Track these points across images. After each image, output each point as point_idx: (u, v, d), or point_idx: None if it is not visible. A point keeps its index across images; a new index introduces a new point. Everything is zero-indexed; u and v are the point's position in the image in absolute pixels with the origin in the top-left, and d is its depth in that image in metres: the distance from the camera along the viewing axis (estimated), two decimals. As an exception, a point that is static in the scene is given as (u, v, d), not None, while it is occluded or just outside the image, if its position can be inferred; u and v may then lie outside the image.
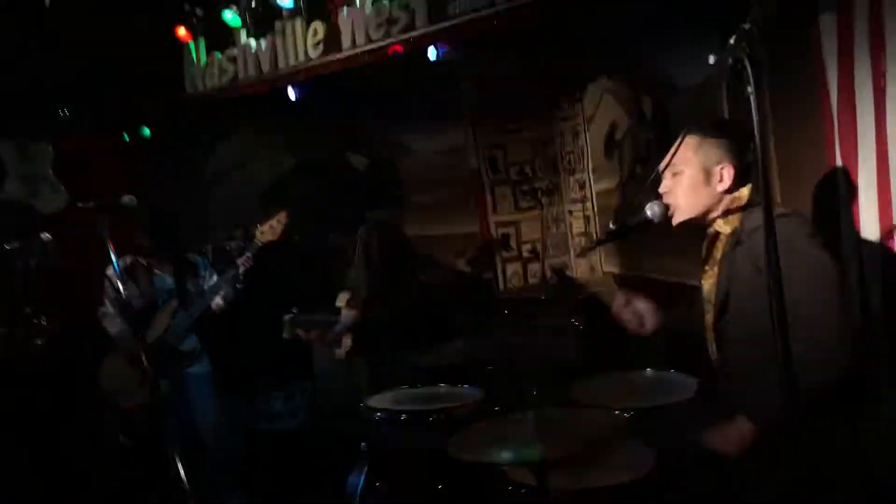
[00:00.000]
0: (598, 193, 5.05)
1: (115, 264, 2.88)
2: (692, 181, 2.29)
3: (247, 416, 4.87)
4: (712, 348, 2.38)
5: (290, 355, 4.79)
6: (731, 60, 1.47)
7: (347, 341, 3.61)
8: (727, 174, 2.27)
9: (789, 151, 2.78)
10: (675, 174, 2.33)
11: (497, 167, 5.63)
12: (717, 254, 2.34)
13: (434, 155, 5.61)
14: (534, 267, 5.49)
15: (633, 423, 2.53)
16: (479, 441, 1.93)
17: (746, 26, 1.46)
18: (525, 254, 5.60)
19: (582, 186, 5.24)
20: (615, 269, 4.83)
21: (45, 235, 3.64)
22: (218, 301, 4.16)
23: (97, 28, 4.93)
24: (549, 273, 4.99)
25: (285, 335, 3.74)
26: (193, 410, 4.22)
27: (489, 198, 5.65)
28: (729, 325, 2.29)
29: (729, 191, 2.28)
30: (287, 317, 3.79)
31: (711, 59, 1.56)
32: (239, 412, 4.82)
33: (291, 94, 4.58)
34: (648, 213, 2.32)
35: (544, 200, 5.54)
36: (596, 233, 5.10)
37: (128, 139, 5.19)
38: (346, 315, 3.63)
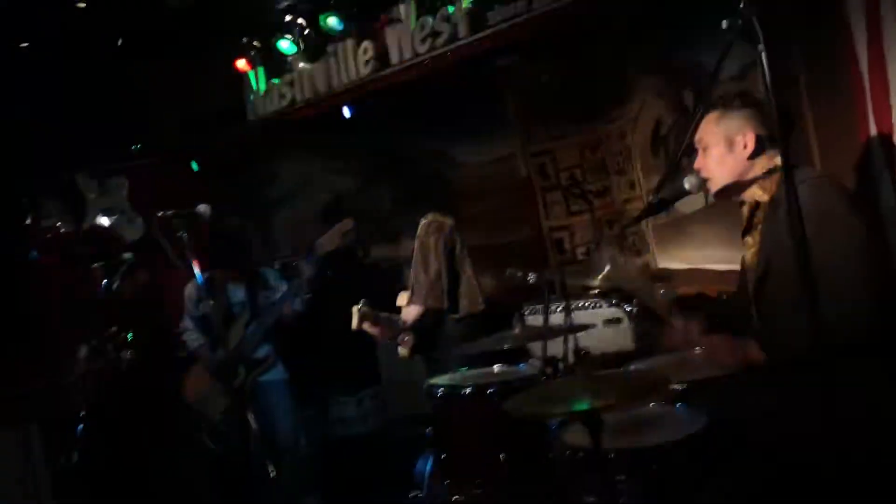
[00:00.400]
0: (648, 191, 5.12)
1: (199, 276, 3.04)
2: (718, 152, 2.43)
3: (320, 422, 5.06)
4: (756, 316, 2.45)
5: (359, 362, 5.01)
6: (740, 22, 1.60)
7: (409, 340, 3.74)
8: (749, 140, 2.38)
9: (825, 121, 2.86)
10: (704, 149, 2.47)
11: (547, 173, 5.76)
12: (758, 222, 2.43)
13: (483, 165, 5.78)
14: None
15: (686, 394, 2.67)
16: (534, 400, 2.06)
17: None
18: (580, 256, 5.71)
19: (632, 186, 5.31)
20: (669, 264, 4.90)
21: (128, 255, 3.91)
22: (288, 311, 4.32)
23: (165, 65, 5.32)
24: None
25: (354, 325, 3.86)
26: (270, 417, 4.33)
27: (541, 204, 5.79)
28: (771, 291, 2.36)
29: (753, 156, 2.38)
30: (356, 307, 3.90)
31: (724, 24, 1.68)
32: (313, 419, 5.03)
33: (346, 112, 4.84)
34: (686, 184, 2.44)
35: (596, 203, 5.64)
36: (649, 230, 5.18)
37: (196, 168, 5.49)
38: (407, 312, 3.78)
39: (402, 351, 3.76)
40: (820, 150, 2.92)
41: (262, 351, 4.38)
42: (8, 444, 5.20)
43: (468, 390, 2.66)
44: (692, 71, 4.30)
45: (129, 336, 4.18)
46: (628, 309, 3.71)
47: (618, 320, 3.94)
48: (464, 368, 2.98)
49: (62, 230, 5.38)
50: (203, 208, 3.01)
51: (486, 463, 2.55)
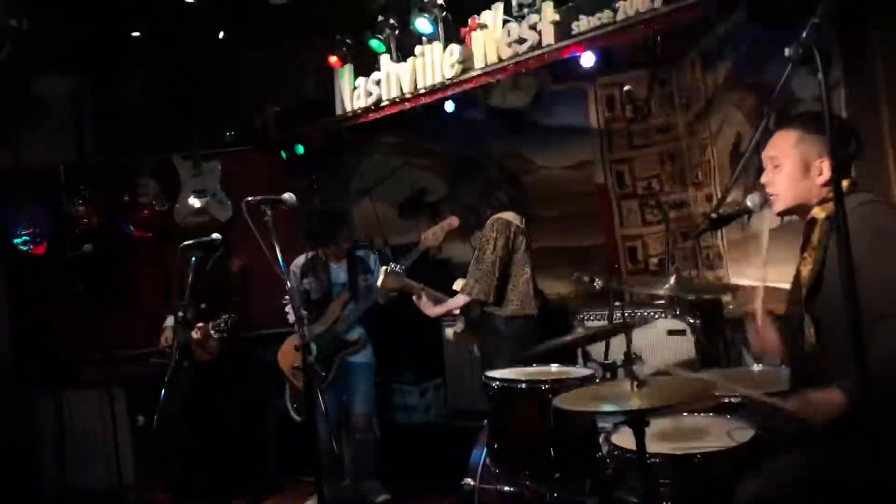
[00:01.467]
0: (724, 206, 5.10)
1: (280, 259, 3.17)
2: (792, 173, 2.40)
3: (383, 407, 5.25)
4: (809, 332, 2.46)
5: (425, 354, 5.17)
6: (800, 50, 1.66)
7: (459, 325, 3.86)
8: (826, 167, 2.35)
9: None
10: (776, 166, 2.44)
11: (624, 181, 5.81)
12: (815, 239, 2.43)
13: (561, 170, 5.86)
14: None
15: (737, 408, 2.72)
16: (583, 399, 2.15)
17: (815, 20, 1.65)
18: (652, 267, 5.73)
19: (710, 200, 5.30)
20: (740, 280, 4.88)
21: (216, 235, 4.13)
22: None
23: (261, 60, 5.59)
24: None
25: (378, 283, 4.18)
26: (352, 397, 4.55)
27: (616, 211, 5.83)
28: (825, 308, 2.35)
29: (827, 184, 2.36)
30: (384, 267, 4.16)
31: (787, 52, 1.73)
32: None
33: (448, 106, 4.99)
34: (749, 202, 2.46)
35: (672, 214, 5.65)
36: (724, 245, 5.17)
37: (284, 157, 5.74)
38: (456, 298, 3.91)
39: (449, 333, 3.91)
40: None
41: (355, 333, 4.54)
42: (94, 403, 5.60)
43: (523, 385, 2.76)
44: (776, 88, 4.27)
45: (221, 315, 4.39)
46: (691, 321, 3.75)
47: (681, 331, 3.98)
48: (520, 366, 3.09)
49: (157, 208, 5.68)
50: (288, 196, 3.17)
51: (535, 457, 2.65)
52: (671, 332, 4.00)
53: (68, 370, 5.67)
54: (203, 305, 4.45)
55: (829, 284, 2.33)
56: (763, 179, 2.48)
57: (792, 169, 2.41)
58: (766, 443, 2.33)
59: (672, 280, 3.37)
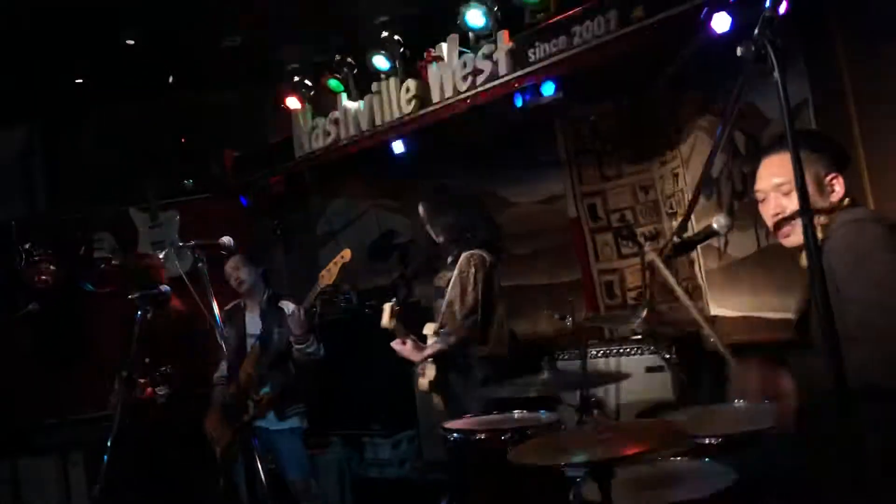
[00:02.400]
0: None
1: (213, 304, 3.00)
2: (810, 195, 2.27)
3: (356, 464, 4.99)
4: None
5: (396, 404, 4.93)
6: (752, 47, 1.50)
7: (431, 371, 3.63)
8: (838, 183, 2.23)
9: (878, 155, 2.72)
10: (785, 194, 2.27)
11: (597, 214, 5.65)
12: None
13: (532, 205, 5.71)
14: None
15: (719, 450, 2.50)
16: (542, 449, 1.94)
17: (766, 13, 1.49)
18: (630, 301, 5.54)
19: (685, 229, 5.16)
20: (721, 311, 4.71)
21: (165, 287, 3.93)
22: (298, 350, 4.02)
23: (215, 104, 5.45)
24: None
25: (383, 322, 3.78)
26: (279, 464, 4.20)
27: (591, 245, 5.67)
28: (814, 325, 2.21)
29: (842, 199, 2.23)
30: (387, 304, 3.83)
31: (739, 51, 1.57)
32: (348, 460, 4.96)
33: (397, 147, 4.85)
34: (715, 225, 2.31)
35: (646, 246, 5.49)
36: (702, 275, 5.01)
37: (245, 204, 5.56)
38: (432, 343, 3.67)
39: (423, 384, 3.66)
40: (872, 189, 2.76)
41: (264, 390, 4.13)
42: (50, 471, 5.32)
43: (481, 436, 2.54)
44: (743, 111, 4.16)
45: (168, 369, 4.16)
46: (667, 356, 3.54)
47: (660, 368, 3.78)
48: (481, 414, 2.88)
49: (114, 262, 5.48)
50: (226, 240, 3.00)
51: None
52: (649, 370, 3.80)
53: (22, 437, 5.40)
54: (147, 360, 4.17)
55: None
56: (774, 210, 2.28)
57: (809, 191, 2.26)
58: (747, 487, 2.11)
59: (643, 314, 3.18)
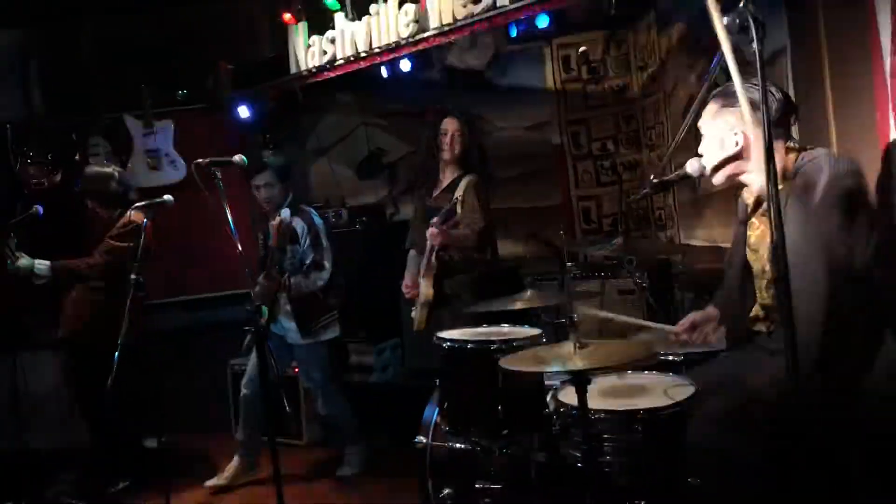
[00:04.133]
0: (676, 166, 5.19)
1: (231, 221, 3.13)
2: (712, 144, 2.51)
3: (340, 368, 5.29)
4: (762, 294, 2.55)
5: (381, 314, 5.20)
6: (737, 20, 1.70)
7: (428, 288, 3.84)
8: (740, 138, 2.43)
9: (847, 123, 2.92)
10: (703, 135, 2.55)
11: (580, 142, 5.87)
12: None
13: (518, 130, 5.89)
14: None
15: (682, 366, 2.82)
16: (529, 360, 2.21)
17: (750, -13, 1.69)
18: (605, 227, 5.82)
19: (662, 160, 5.40)
20: (692, 241, 4.99)
21: (168, 197, 4.07)
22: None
23: (214, 17, 5.48)
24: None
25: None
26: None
27: (571, 172, 5.90)
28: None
29: (746, 150, 2.43)
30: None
31: (725, 21, 1.77)
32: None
33: (384, 72, 4.96)
34: (688, 168, 2.52)
35: (625, 175, 5.73)
36: (675, 206, 5.27)
37: (238, 116, 5.66)
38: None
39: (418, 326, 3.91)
40: (839, 145, 2.97)
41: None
42: (48, 364, 5.55)
43: (471, 346, 2.82)
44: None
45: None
46: (638, 281, 3.83)
47: (631, 291, 4.07)
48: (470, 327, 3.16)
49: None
50: (238, 158, 3.15)
51: (484, 415, 2.72)
52: (621, 292, 4.09)
53: (22, 332, 5.61)
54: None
55: (790, 246, 2.38)
56: (700, 149, 2.56)
57: (711, 138, 2.52)
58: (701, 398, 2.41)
59: (619, 240, 3.44)
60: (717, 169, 2.49)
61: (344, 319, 4.63)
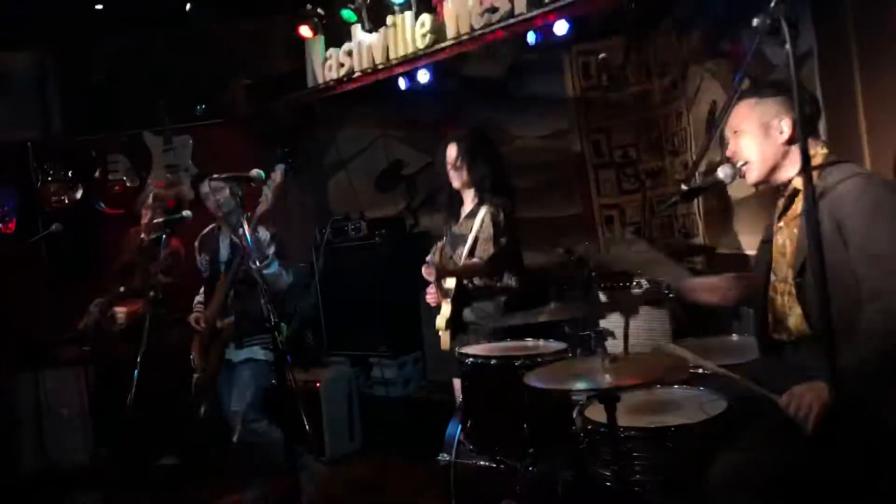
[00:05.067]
0: (700, 174, 5.09)
1: (248, 237, 3.06)
2: (754, 138, 2.41)
3: (363, 382, 5.25)
4: (783, 301, 2.46)
5: (402, 328, 5.16)
6: (768, 21, 1.63)
7: (447, 309, 3.58)
8: (786, 125, 2.36)
9: (877, 119, 2.84)
10: (736, 133, 2.46)
11: (601, 150, 5.78)
12: (797, 209, 2.41)
13: (537, 139, 5.82)
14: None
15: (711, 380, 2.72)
16: (555, 375, 2.14)
17: (784, -10, 1.62)
18: (628, 235, 5.72)
19: (686, 168, 5.30)
20: (719, 249, 4.89)
21: (187, 212, 4.07)
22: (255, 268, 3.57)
23: (230, 32, 5.48)
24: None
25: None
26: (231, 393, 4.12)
27: (593, 180, 5.82)
28: (809, 280, 2.31)
29: (791, 142, 2.36)
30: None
31: (754, 22, 1.71)
32: (356, 378, 5.22)
33: (402, 83, 4.93)
34: (720, 174, 2.44)
35: (648, 183, 5.64)
36: (699, 211, 5.17)
37: (257, 132, 5.66)
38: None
39: (438, 321, 3.64)
40: (870, 147, 2.89)
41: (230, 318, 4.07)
42: (71, 381, 5.55)
43: (494, 362, 2.75)
44: (751, 56, 4.25)
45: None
46: (666, 291, 3.74)
47: (659, 302, 3.97)
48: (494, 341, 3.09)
49: (129, 184, 5.62)
50: (255, 173, 3.11)
51: (509, 432, 2.65)
52: (647, 303, 3.99)
53: (44, 350, 5.62)
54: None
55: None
56: (728, 152, 2.49)
57: (752, 131, 2.42)
58: (738, 413, 2.32)
59: (643, 247, 3.36)
60: (758, 164, 2.40)
61: (365, 333, 4.59)
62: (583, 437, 2.43)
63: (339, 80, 4.93)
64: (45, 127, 5.64)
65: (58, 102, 5.76)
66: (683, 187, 2.47)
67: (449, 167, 3.81)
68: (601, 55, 5.57)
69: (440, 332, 3.68)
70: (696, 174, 3.90)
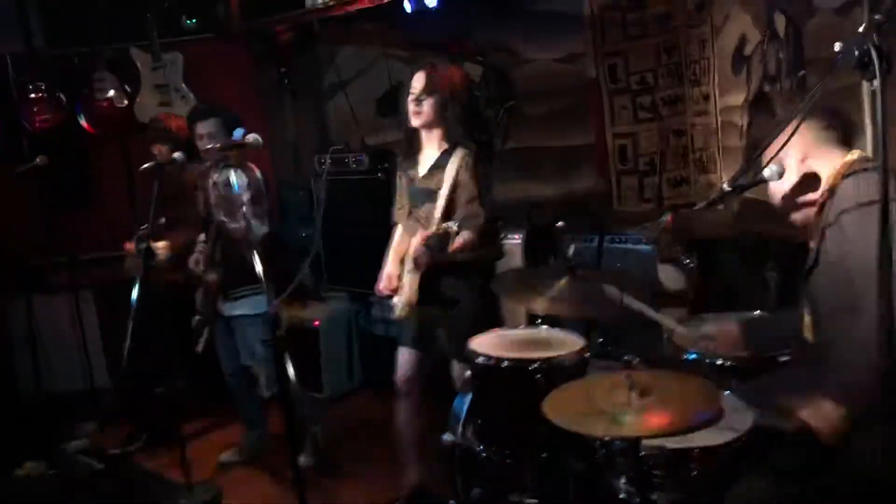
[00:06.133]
0: (722, 109, 4.83)
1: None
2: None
3: (363, 318, 5.15)
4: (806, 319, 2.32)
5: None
6: (857, 52, 1.38)
7: (412, 290, 3.24)
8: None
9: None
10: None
11: (617, 76, 5.45)
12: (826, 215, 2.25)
13: (550, 63, 5.49)
14: (650, 181, 5.38)
15: (734, 374, 2.58)
16: (574, 403, 1.98)
17: (878, 17, 1.35)
18: (642, 167, 5.48)
19: (706, 99, 5.01)
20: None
21: (178, 155, 3.81)
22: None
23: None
24: (664, 192, 4.88)
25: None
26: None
27: (607, 108, 5.52)
28: (821, 291, 2.22)
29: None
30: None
31: (837, 46, 1.45)
32: (356, 314, 5.11)
33: (407, 5, 4.58)
34: (766, 173, 2.25)
35: (665, 111, 5.35)
36: (719, 150, 4.93)
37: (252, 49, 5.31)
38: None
39: (400, 305, 3.30)
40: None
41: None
42: (63, 307, 5.45)
43: (506, 364, 2.57)
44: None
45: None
46: (686, 262, 3.54)
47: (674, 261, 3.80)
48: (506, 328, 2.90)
49: (117, 104, 5.32)
50: (253, 138, 2.81)
51: (521, 437, 2.52)
52: (663, 261, 3.82)
53: (35, 275, 5.48)
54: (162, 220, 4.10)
55: (825, 265, 2.16)
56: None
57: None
58: (765, 432, 2.20)
59: (667, 219, 3.17)
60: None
61: (366, 270, 4.43)
62: (600, 447, 2.31)
63: (339, 2, 4.55)
64: (25, 41, 5.23)
65: (38, 15, 5.34)
66: (726, 187, 2.25)
67: (411, 100, 3.33)
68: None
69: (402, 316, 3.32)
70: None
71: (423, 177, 3.40)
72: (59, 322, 5.53)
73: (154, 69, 5.32)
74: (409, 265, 3.30)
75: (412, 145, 3.48)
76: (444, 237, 3.12)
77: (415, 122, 3.35)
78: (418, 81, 3.31)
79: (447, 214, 3.22)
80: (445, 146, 3.37)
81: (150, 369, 4.44)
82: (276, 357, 2.52)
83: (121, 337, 3.70)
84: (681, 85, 5.29)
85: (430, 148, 3.43)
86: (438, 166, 3.34)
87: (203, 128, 3.98)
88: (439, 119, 3.32)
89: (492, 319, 3.23)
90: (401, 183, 3.57)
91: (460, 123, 3.32)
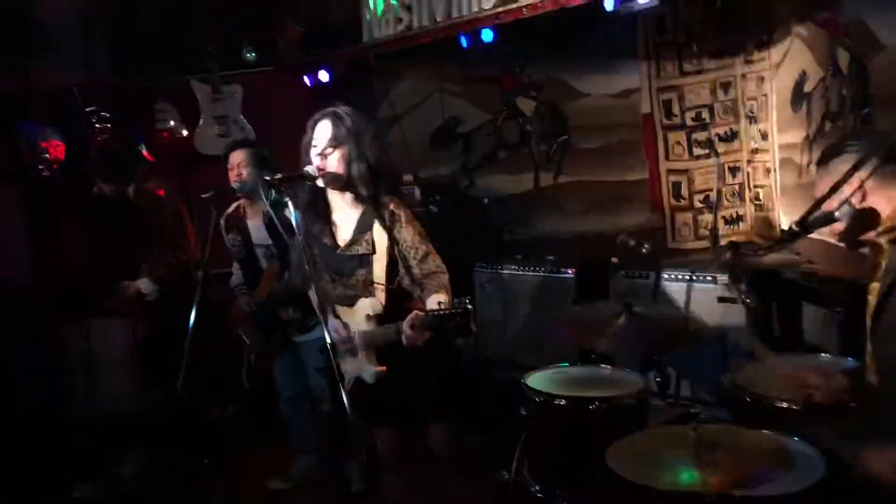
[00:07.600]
0: (780, 146, 4.76)
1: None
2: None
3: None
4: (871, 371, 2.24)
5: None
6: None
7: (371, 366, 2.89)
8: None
9: None
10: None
11: (672, 111, 5.41)
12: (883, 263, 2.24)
13: (605, 98, 5.47)
14: (705, 218, 5.30)
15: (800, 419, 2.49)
16: (638, 457, 1.93)
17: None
18: (697, 204, 5.41)
19: (764, 136, 4.94)
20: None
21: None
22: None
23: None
24: (720, 229, 4.80)
25: None
26: (305, 374, 4.11)
27: (661, 143, 5.47)
28: (884, 320, 2.16)
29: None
30: None
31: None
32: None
33: (463, 41, 4.62)
34: (837, 213, 2.20)
35: (721, 148, 5.28)
36: (776, 188, 4.84)
37: (309, 83, 5.39)
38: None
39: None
40: None
41: (291, 312, 3.97)
42: (119, 331, 5.52)
43: (564, 402, 2.52)
44: (850, 28, 3.85)
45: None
46: (746, 300, 3.45)
47: (733, 299, 3.71)
48: (565, 364, 2.85)
49: (177, 135, 5.44)
50: (311, 170, 2.84)
51: (577, 479, 2.47)
52: (722, 300, 3.73)
53: (92, 299, 5.59)
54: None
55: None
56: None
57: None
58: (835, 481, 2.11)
59: (727, 256, 3.09)
60: None
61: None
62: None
63: (396, 37, 4.62)
64: (90, 73, 5.42)
65: (103, 48, 5.52)
66: (794, 227, 2.20)
67: (315, 153, 2.89)
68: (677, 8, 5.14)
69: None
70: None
71: (347, 243, 2.96)
72: (115, 347, 5.59)
73: (214, 101, 5.43)
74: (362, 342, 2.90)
75: (317, 206, 3.01)
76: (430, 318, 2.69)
77: (320, 180, 2.88)
78: (323, 131, 2.91)
79: (390, 277, 2.89)
80: (361, 206, 2.97)
81: (204, 395, 4.48)
82: (331, 384, 2.51)
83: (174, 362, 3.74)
84: (737, 121, 5.24)
85: (343, 208, 3.01)
86: (362, 231, 2.94)
87: (237, 157, 4.05)
88: (348, 175, 2.88)
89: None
90: (305, 248, 2.83)
91: (372, 181, 2.90)
